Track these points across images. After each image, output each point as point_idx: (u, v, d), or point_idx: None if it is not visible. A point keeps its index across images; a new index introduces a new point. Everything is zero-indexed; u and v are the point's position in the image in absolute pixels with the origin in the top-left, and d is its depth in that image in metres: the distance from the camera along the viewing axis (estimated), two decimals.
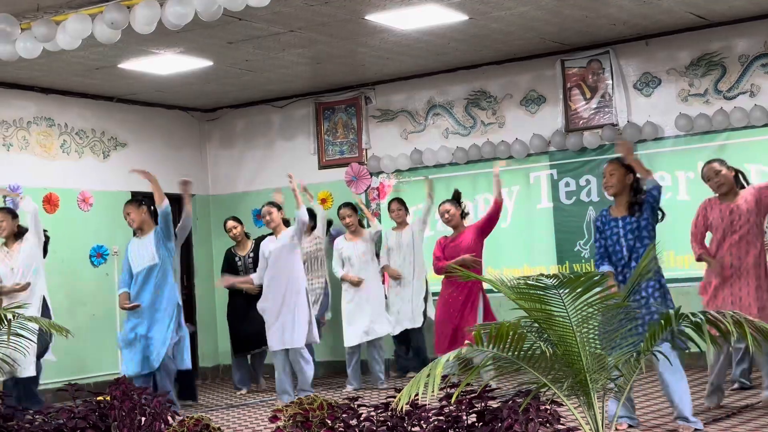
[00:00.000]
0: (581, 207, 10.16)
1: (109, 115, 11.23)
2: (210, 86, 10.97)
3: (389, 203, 10.19)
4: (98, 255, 10.81)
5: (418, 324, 9.88)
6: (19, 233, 8.45)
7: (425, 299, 9.92)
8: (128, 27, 7.12)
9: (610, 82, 10.03)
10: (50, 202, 10.35)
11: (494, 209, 8.47)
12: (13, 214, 8.54)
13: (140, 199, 8.83)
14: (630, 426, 6.41)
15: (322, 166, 11.68)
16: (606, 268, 6.44)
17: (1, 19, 7.31)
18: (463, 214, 8.63)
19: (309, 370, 8.85)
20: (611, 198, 6.65)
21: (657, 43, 9.84)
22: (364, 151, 11.42)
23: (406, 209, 10.10)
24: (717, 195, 7.08)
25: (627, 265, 6.36)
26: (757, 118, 9.28)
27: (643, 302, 6.21)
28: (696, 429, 6.22)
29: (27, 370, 8.04)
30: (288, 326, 8.75)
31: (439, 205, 8.71)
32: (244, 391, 9.99)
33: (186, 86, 10.85)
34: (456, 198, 8.65)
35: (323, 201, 11.45)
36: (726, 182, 7.01)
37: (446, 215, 8.54)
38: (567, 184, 10.25)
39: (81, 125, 10.92)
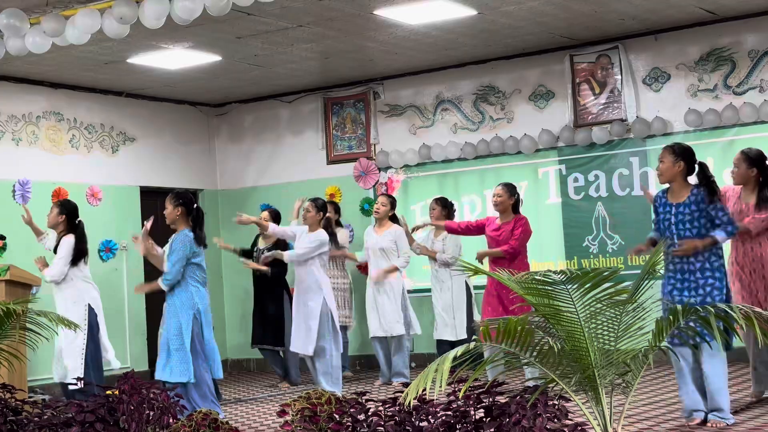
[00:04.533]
0: (590, 202, 10.15)
1: (118, 110, 11.25)
2: (218, 81, 10.98)
3: (431, 202, 9.83)
4: (107, 249, 10.83)
5: (462, 336, 9.42)
6: (66, 230, 8.18)
7: (469, 305, 9.56)
8: (137, 22, 7.13)
9: (619, 77, 10.01)
10: (59, 197, 10.35)
11: (503, 250, 8.27)
12: (60, 207, 8.26)
13: (182, 194, 7.89)
14: (704, 421, 6.30)
15: (331, 161, 11.68)
16: (650, 233, 6.52)
17: (10, 14, 7.33)
18: (516, 206, 8.41)
19: (324, 381, 8.51)
20: (665, 185, 6.52)
21: (666, 38, 9.82)
22: (373, 147, 11.42)
23: (444, 207, 9.61)
24: (743, 187, 7.01)
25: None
26: (766, 114, 9.25)
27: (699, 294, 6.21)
28: (728, 424, 6.19)
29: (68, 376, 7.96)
30: (296, 330, 8.72)
31: (495, 187, 8.53)
32: (286, 385, 9.80)
33: (194, 81, 10.86)
34: (511, 186, 8.47)
35: (332, 196, 11.46)
36: (739, 177, 6.96)
37: (495, 197, 8.34)
38: (576, 180, 10.24)
39: (90, 120, 10.95)
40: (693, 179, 6.46)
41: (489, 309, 8.20)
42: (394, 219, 9.70)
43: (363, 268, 10.16)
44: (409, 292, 10.09)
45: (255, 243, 10.09)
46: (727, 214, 6.37)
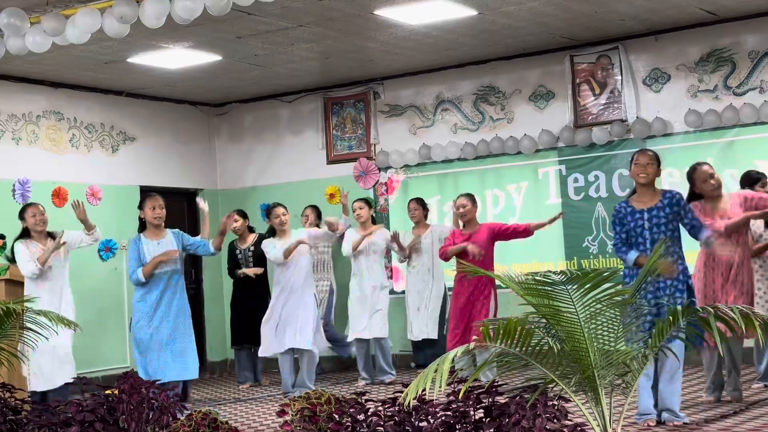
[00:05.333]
0: (590, 203, 10.15)
1: (118, 110, 11.25)
2: (219, 81, 10.98)
3: (408, 202, 10.16)
4: (107, 249, 10.83)
5: (434, 335, 9.74)
6: (51, 233, 8.26)
7: (444, 305, 9.76)
8: (137, 21, 7.13)
9: (619, 77, 10.01)
10: (59, 196, 10.37)
11: (521, 232, 8.53)
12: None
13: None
14: (659, 422, 6.38)
15: (331, 161, 11.69)
16: (633, 254, 6.40)
17: (10, 13, 7.33)
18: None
19: (308, 378, 8.81)
20: (643, 185, 6.54)
21: (666, 39, 9.82)
22: (373, 147, 11.42)
23: (424, 208, 10.01)
24: (704, 200, 7.03)
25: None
26: (766, 115, 9.25)
27: (665, 293, 6.25)
28: (684, 423, 6.27)
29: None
30: (291, 327, 8.76)
31: (456, 199, 8.76)
32: (247, 385, 9.99)
33: (195, 81, 10.86)
34: (472, 195, 8.74)
35: (331, 196, 11.47)
36: (720, 185, 7.03)
37: (461, 209, 8.57)
38: (576, 180, 10.24)
39: (90, 119, 10.95)
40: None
41: (456, 313, 8.46)
42: (373, 219, 9.87)
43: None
44: (402, 292, 10.23)
45: (233, 247, 10.11)
46: (697, 218, 6.54)
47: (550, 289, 4.30)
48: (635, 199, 6.57)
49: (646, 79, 9.96)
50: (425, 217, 10.03)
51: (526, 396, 4.57)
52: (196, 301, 11.29)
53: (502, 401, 4.62)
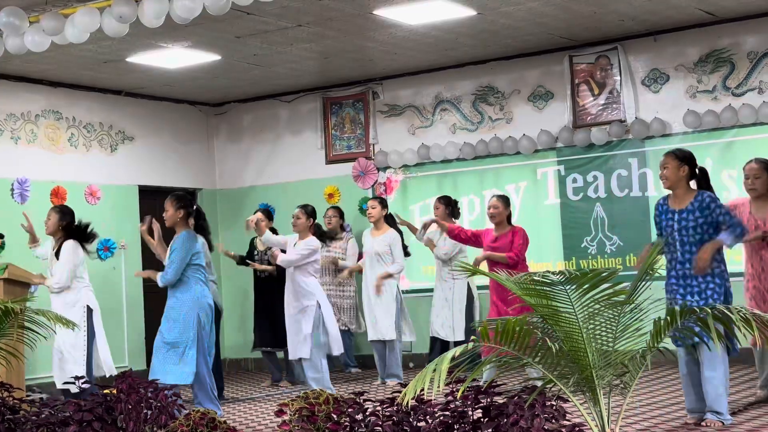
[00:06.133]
0: (588, 203, 10.15)
1: (117, 109, 11.24)
2: (218, 80, 10.97)
3: (435, 201, 9.76)
4: (105, 249, 10.83)
5: (459, 337, 9.42)
6: (65, 236, 8.05)
7: (470, 306, 9.51)
8: (136, 20, 7.13)
9: (618, 78, 10.01)
10: (57, 196, 10.37)
11: (510, 259, 8.24)
12: (61, 214, 8.11)
13: (182, 197, 7.92)
14: (697, 423, 6.29)
15: (329, 161, 11.68)
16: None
17: (9, 12, 7.33)
18: (509, 217, 8.45)
19: (313, 383, 8.51)
20: (668, 188, 6.45)
21: (665, 39, 9.82)
22: (371, 146, 11.42)
23: (447, 206, 9.57)
24: (750, 199, 6.97)
25: (679, 259, 6.27)
26: (765, 115, 9.26)
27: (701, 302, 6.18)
28: (724, 424, 6.19)
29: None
30: (291, 336, 8.71)
31: (490, 199, 8.56)
32: (281, 383, 9.88)
33: (194, 80, 10.86)
34: (506, 198, 8.52)
35: (330, 196, 11.46)
36: (759, 188, 6.90)
37: (492, 209, 8.34)
38: (574, 180, 10.24)
39: (89, 119, 10.94)
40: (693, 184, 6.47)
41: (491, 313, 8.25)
42: (391, 220, 9.66)
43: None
44: (406, 292, 10.09)
45: (252, 246, 10.09)
46: (734, 216, 6.33)
47: (548, 289, 4.30)
48: (671, 197, 6.45)
49: (645, 79, 9.96)
50: (451, 215, 9.53)
51: (524, 396, 4.57)
52: None
53: (501, 401, 4.62)
